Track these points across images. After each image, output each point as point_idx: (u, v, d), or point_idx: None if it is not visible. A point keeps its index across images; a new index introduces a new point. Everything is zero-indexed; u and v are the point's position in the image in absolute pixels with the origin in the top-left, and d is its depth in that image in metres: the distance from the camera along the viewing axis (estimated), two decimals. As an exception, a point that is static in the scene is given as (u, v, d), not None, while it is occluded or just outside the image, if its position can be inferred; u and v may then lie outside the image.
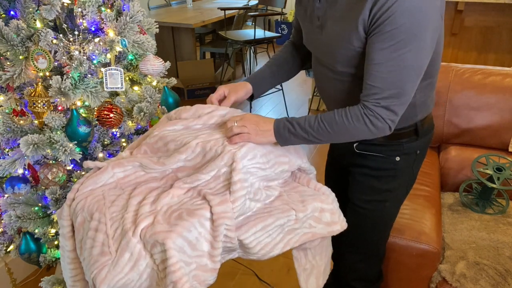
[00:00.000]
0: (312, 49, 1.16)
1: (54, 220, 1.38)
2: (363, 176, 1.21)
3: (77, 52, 1.26)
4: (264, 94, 1.35)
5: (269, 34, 3.74)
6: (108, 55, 1.32)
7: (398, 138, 1.13)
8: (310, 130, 1.00)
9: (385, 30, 0.88)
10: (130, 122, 1.45)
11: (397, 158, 1.16)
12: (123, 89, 1.34)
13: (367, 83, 0.95)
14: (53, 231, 1.42)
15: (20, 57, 1.22)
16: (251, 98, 1.27)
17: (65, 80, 1.22)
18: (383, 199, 1.21)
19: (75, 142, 1.27)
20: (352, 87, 1.05)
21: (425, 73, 1.00)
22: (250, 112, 3.28)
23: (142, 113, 1.40)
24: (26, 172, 1.34)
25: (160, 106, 1.45)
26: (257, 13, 4.12)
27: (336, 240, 1.15)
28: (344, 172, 1.28)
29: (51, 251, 1.45)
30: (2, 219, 1.38)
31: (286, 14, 6.16)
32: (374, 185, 1.20)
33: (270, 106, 4.03)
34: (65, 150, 1.24)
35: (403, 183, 1.22)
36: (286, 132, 1.02)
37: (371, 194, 1.21)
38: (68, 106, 1.27)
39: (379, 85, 0.93)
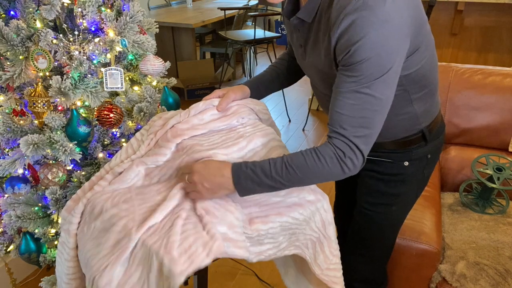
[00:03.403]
0: (303, 70, 1.14)
1: (54, 220, 1.38)
2: (371, 179, 1.19)
3: (77, 52, 1.26)
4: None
5: (269, 34, 3.74)
6: (108, 55, 1.32)
7: (406, 146, 1.11)
8: (278, 178, 0.89)
9: (352, 63, 0.84)
10: (130, 122, 1.45)
11: (406, 163, 1.13)
12: (123, 89, 1.34)
13: (334, 110, 0.89)
14: (53, 231, 1.42)
15: (20, 57, 1.22)
16: None
17: (65, 80, 1.22)
18: (390, 203, 1.20)
19: (75, 142, 1.27)
20: None
21: (421, 84, 0.99)
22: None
23: (142, 113, 1.40)
24: (26, 172, 1.34)
25: (160, 106, 1.45)
26: (257, 13, 4.12)
27: (341, 240, 1.15)
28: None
29: (51, 251, 1.45)
30: (2, 219, 1.38)
31: (286, 14, 6.15)
32: (382, 189, 1.18)
33: (270, 106, 4.02)
34: (65, 150, 1.24)
35: (412, 187, 1.20)
36: (249, 183, 0.90)
37: (378, 197, 1.20)
38: (68, 106, 1.27)
39: (346, 113, 0.87)
